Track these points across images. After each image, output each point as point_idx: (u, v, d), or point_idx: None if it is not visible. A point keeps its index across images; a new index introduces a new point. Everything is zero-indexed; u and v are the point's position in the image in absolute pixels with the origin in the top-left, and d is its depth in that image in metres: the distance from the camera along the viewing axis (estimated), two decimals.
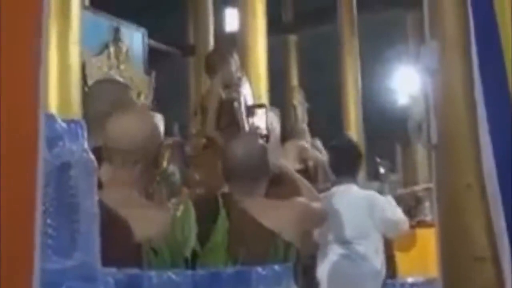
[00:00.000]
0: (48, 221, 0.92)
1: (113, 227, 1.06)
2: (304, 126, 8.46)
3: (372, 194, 4.50)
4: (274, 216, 2.64)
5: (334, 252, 4.12)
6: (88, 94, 3.05)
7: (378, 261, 4.22)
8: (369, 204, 4.25)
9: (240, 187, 2.77)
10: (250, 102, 5.64)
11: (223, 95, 5.42)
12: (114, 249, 1.06)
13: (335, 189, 4.36)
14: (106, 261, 1.03)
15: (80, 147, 1.02)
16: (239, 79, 5.56)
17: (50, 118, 0.84)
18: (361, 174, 11.07)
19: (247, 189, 2.76)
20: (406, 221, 4.45)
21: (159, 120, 2.25)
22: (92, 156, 1.02)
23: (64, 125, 1.00)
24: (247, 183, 2.78)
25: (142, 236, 1.77)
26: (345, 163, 4.41)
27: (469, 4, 2.47)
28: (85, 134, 1.03)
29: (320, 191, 4.34)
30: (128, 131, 2.10)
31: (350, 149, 4.58)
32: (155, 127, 2.19)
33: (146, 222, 1.88)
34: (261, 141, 2.96)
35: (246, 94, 5.57)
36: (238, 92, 5.46)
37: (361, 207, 4.22)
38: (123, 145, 2.07)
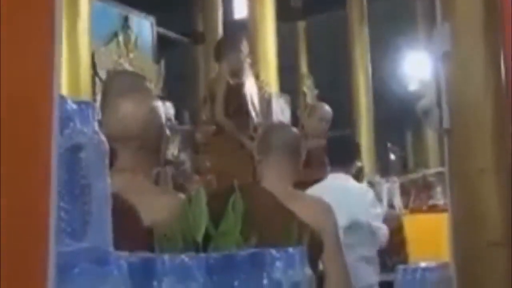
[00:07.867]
0: (60, 203, 0.91)
1: (119, 213, 1.05)
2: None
3: (366, 187, 4.55)
4: (301, 204, 2.65)
5: None
6: (105, 85, 3.02)
7: (373, 248, 4.20)
8: (364, 195, 4.27)
9: (272, 173, 2.79)
10: (254, 91, 5.59)
11: (231, 81, 5.36)
12: (122, 235, 1.05)
13: (330, 178, 4.35)
14: (115, 247, 1.03)
15: (91, 129, 1.01)
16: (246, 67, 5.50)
17: (61, 99, 0.83)
18: (371, 162, 11.08)
19: (278, 175, 2.78)
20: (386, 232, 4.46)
21: (160, 106, 2.19)
22: (103, 138, 1.02)
23: (74, 106, 0.99)
24: (279, 170, 2.80)
25: (151, 221, 1.76)
26: (341, 154, 4.41)
27: None
28: (96, 116, 1.02)
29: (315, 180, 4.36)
30: (122, 118, 2.08)
31: (346, 140, 4.60)
32: (151, 111, 2.13)
33: (155, 207, 1.87)
34: (295, 129, 2.99)
35: (249, 83, 5.51)
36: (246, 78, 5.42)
37: (357, 195, 4.23)
38: (120, 132, 2.06)
